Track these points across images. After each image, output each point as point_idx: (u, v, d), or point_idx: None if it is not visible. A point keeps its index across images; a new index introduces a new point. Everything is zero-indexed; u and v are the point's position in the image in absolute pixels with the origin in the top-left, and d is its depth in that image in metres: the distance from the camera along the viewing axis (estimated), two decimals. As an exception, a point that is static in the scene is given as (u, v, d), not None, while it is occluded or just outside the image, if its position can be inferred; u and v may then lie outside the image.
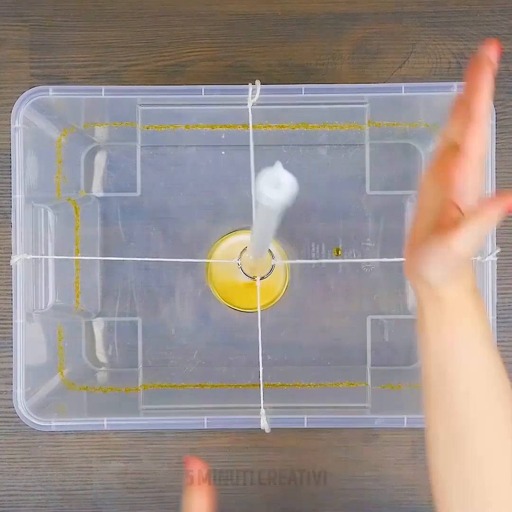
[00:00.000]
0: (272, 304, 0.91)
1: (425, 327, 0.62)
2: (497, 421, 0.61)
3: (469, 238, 0.56)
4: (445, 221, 0.58)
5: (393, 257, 0.91)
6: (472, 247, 0.57)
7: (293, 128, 0.89)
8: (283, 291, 0.91)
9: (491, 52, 0.58)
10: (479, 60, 0.58)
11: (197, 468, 0.68)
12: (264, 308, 0.90)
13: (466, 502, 0.61)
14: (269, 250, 0.84)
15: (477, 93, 0.57)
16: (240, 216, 0.91)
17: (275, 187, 0.55)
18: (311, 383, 0.91)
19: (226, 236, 0.91)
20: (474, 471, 0.60)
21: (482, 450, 0.60)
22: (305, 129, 0.89)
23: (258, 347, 0.79)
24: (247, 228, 0.86)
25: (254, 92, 0.75)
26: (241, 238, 0.90)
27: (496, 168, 0.77)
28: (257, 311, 0.83)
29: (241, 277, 0.84)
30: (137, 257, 0.92)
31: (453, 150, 0.58)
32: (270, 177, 0.54)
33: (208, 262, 0.90)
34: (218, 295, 0.90)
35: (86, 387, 0.90)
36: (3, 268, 0.91)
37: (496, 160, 0.77)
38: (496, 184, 0.77)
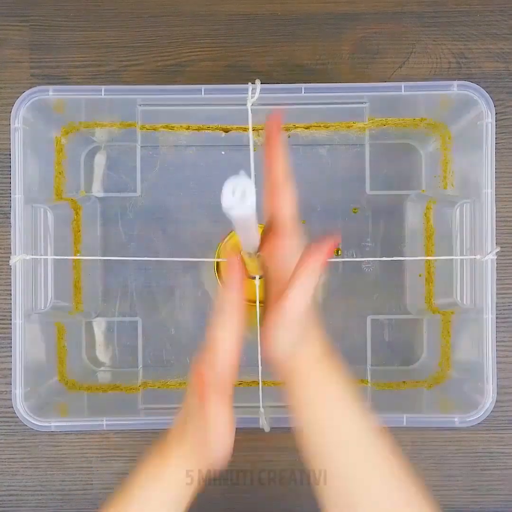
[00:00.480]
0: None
1: (292, 401, 0.65)
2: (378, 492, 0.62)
3: (299, 294, 0.58)
4: (279, 289, 0.61)
5: (393, 257, 0.91)
6: (305, 302, 0.59)
7: (293, 128, 0.89)
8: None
9: (275, 122, 0.64)
10: (269, 129, 0.63)
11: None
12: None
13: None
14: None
15: (273, 160, 0.63)
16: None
17: (240, 196, 0.57)
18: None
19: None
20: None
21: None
22: (305, 129, 0.89)
23: (257, 347, 0.79)
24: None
25: (253, 92, 0.75)
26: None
27: (496, 168, 0.77)
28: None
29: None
30: (137, 257, 0.92)
31: (271, 224, 0.64)
32: (232, 187, 0.57)
33: (217, 256, 0.89)
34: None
35: (86, 387, 0.90)
36: (2, 268, 0.91)
37: (496, 160, 0.77)
38: (496, 184, 0.77)
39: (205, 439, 0.64)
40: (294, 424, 0.65)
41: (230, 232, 0.87)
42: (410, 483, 0.63)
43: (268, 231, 0.63)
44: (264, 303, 0.65)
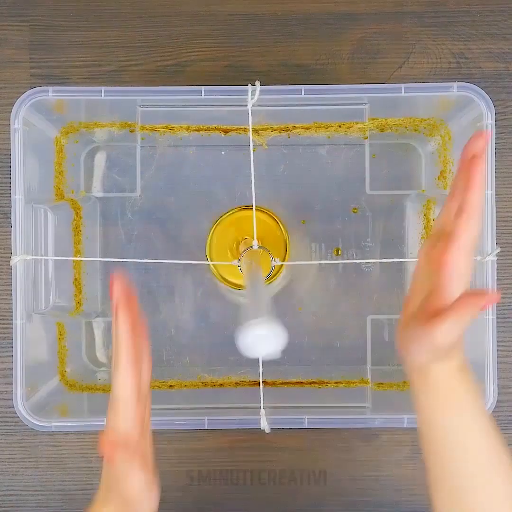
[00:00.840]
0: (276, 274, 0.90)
1: (417, 403, 0.64)
2: (497, 495, 0.62)
3: (451, 330, 0.58)
4: (430, 308, 0.60)
5: (393, 257, 0.91)
6: (454, 338, 0.59)
7: (293, 128, 0.89)
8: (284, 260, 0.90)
9: (481, 144, 0.61)
10: (472, 153, 0.61)
11: (122, 285, 0.65)
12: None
13: None
14: (269, 252, 0.84)
15: (470, 186, 0.59)
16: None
17: (263, 341, 0.57)
18: (311, 383, 0.91)
19: (229, 213, 0.90)
20: None
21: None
22: (305, 129, 0.89)
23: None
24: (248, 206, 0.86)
25: (253, 93, 0.75)
26: (242, 215, 0.89)
27: (496, 168, 0.77)
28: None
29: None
30: (137, 257, 0.92)
31: (445, 237, 0.60)
32: (254, 337, 0.57)
33: (210, 240, 0.89)
34: (217, 274, 0.89)
35: (86, 387, 0.90)
36: (3, 268, 0.91)
37: (496, 160, 0.77)
38: (496, 184, 0.77)
39: (125, 501, 0.63)
40: (419, 429, 0.65)
41: (214, 224, 0.87)
42: None
43: (440, 243, 0.62)
44: (407, 307, 0.64)
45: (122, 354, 0.62)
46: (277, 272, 0.87)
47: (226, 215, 0.89)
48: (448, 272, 0.59)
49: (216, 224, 0.88)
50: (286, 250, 0.88)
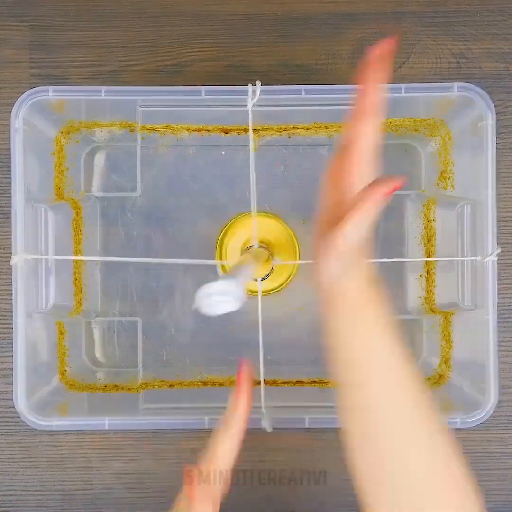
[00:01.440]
0: (285, 284, 0.91)
1: (330, 326, 0.64)
2: (402, 407, 0.62)
3: (354, 229, 0.58)
4: (338, 216, 0.59)
5: (393, 257, 0.91)
6: (358, 237, 0.59)
7: (293, 128, 0.89)
8: (294, 272, 0.91)
9: (381, 50, 0.62)
10: (373, 56, 0.61)
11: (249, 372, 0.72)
12: (278, 288, 0.91)
13: (386, 491, 0.62)
14: (269, 252, 0.84)
15: (367, 88, 0.60)
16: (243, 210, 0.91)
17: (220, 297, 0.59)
18: (312, 383, 0.91)
19: (237, 218, 0.91)
20: (390, 466, 0.61)
21: (392, 439, 0.61)
22: (305, 129, 0.89)
23: (259, 347, 0.79)
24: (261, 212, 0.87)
25: (254, 93, 0.75)
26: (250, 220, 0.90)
27: (496, 168, 0.77)
28: (269, 293, 0.84)
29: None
30: (137, 257, 0.92)
31: (347, 147, 0.61)
32: (207, 295, 0.59)
33: (220, 245, 0.90)
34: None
35: (86, 387, 0.90)
36: (3, 268, 0.91)
37: (496, 160, 0.77)
38: (496, 184, 0.77)
39: None
40: (328, 350, 0.66)
41: (225, 226, 0.88)
42: (446, 446, 0.62)
43: (342, 153, 0.61)
44: (317, 224, 0.64)
45: (234, 428, 0.71)
46: (289, 277, 0.88)
47: (236, 219, 0.89)
48: (349, 176, 0.60)
49: (226, 227, 0.89)
50: (298, 253, 0.89)
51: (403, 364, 0.62)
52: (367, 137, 0.59)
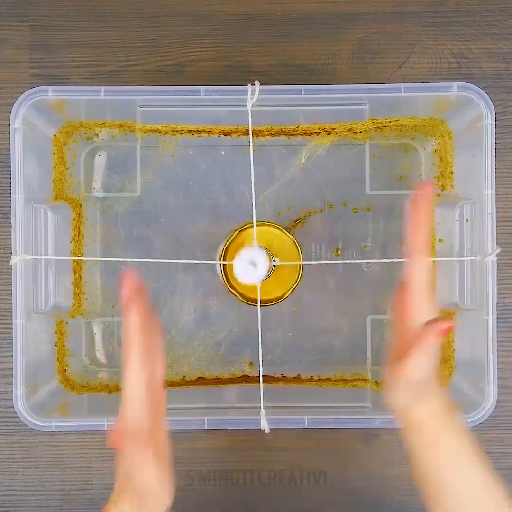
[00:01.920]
0: (287, 295, 0.91)
1: (412, 451, 0.69)
2: None
3: (420, 363, 0.65)
4: (403, 350, 0.66)
5: (393, 257, 0.91)
6: (425, 370, 0.66)
7: (293, 128, 0.89)
8: (297, 281, 0.91)
9: (426, 191, 0.68)
10: (416, 200, 0.68)
11: (132, 282, 0.66)
12: (279, 300, 0.90)
13: None
14: (269, 252, 0.84)
15: (414, 229, 0.67)
16: (240, 215, 0.91)
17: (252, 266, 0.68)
18: (311, 383, 0.91)
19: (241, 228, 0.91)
20: None
21: None
22: (304, 129, 0.89)
23: (258, 347, 0.79)
24: (263, 222, 0.87)
25: (253, 93, 0.75)
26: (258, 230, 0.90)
27: (496, 168, 0.77)
28: (271, 304, 0.84)
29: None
30: (137, 257, 0.92)
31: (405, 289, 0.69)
32: (245, 260, 0.68)
33: (226, 249, 0.89)
34: (235, 290, 0.90)
35: (86, 387, 0.90)
36: (3, 268, 0.91)
37: (496, 160, 0.77)
38: (496, 184, 0.77)
39: (139, 495, 0.64)
40: (414, 469, 0.69)
41: (233, 233, 0.87)
42: None
43: (404, 292, 0.69)
44: (389, 353, 0.70)
45: (132, 350, 0.64)
46: (290, 288, 0.88)
47: (241, 229, 0.89)
48: (413, 318, 0.67)
49: (231, 238, 0.88)
50: (300, 269, 0.89)
51: (494, 495, 0.67)
52: (420, 275, 0.67)
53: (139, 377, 0.63)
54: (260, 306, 0.84)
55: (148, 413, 0.64)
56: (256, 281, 0.69)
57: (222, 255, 0.85)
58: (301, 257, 0.89)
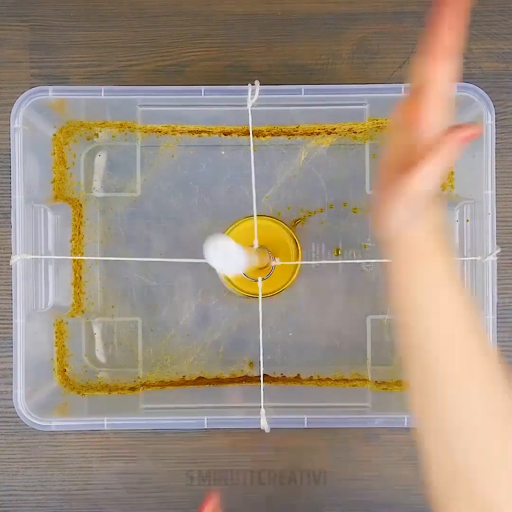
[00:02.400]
0: (286, 286, 0.91)
1: (394, 272, 0.61)
2: (470, 359, 0.59)
3: (428, 175, 0.55)
4: (409, 161, 0.57)
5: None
6: (432, 183, 0.56)
7: (293, 128, 0.89)
8: (296, 274, 0.91)
9: None
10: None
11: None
12: (278, 291, 0.91)
13: (445, 462, 0.59)
14: (269, 252, 0.84)
15: (447, 26, 0.56)
16: (240, 215, 0.91)
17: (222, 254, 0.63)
18: (311, 383, 0.91)
19: (240, 221, 0.91)
20: (453, 436, 0.58)
21: (460, 418, 0.58)
22: (304, 129, 0.89)
23: (259, 347, 0.79)
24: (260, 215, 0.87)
25: (253, 93, 0.75)
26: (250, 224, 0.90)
27: (496, 168, 0.77)
28: (269, 295, 0.84)
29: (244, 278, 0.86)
30: (137, 257, 0.92)
31: (418, 92, 0.57)
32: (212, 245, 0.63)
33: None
34: (230, 283, 0.90)
35: (87, 387, 0.90)
36: (3, 268, 0.91)
37: (496, 160, 0.77)
38: (496, 184, 0.77)
39: None
40: (394, 304, 0.62)
41: (227, 229, 0.88)
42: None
43: (416, 94, 0.57)
44: (383, 169, 0.60)
45: None
46: (289, 280, 0.89)
47: (238, 223, 0.89)
48: (424, 120, 0.56)
49: (228, 230, 0.89)
50: (299, 257, 0.89)
51: (471, 315, 0.59)
52: (443, 80, 0.56)
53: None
54: (254, 297, 0.85)
55: None
56: (234, 272, 0.66)
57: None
58: (299, 250, 0.89)
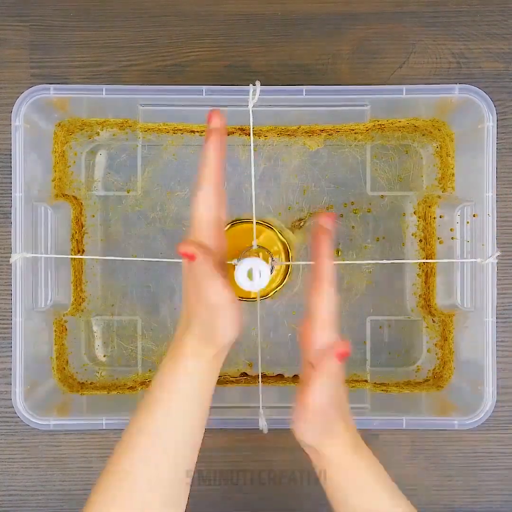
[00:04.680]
0: (278, 290, 0.91)
1: (326, 487, 0.70)
2: None
3: (323, 387, 0.64)
4: (307, 374, 0.66)
5: (393, 258, 0.91)
6: (330, 396, 0.64)
7: (294, 129, 0.89)
8: (285, 279, 0.91)
9: (327, 222, 0.67)
10: (319, 228, 0.67)
11: (218, 121, 0.68)
12: (270, 294, 0.91)
13: None
14: (269, 252, 0.85)
15: (320, 259, 0.66)
16: (240, 215, 0.91)
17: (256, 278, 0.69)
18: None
19: (238, 222, 0.91)
20: None
21: None
22: (305, 130, 0.89)
23: (257, 347, 0.79)
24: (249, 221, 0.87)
25: (254, 93, 0.75)
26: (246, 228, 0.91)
27: (496, 168, 0.77)
28: (262, 298, 0.84)
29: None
30: (137, 257, 0.92)
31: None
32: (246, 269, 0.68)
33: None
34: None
35: (86, 386, 0.90)
36: (3, 268, 0.91)
37: (496, 160, 0.77)
38: (496, 184, 0.77)
39: (209, 313, 0.64)
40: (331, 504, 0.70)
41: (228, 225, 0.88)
42: None
43: (306, 321, 0.67)
44: (300, 381, 0.69)
45: (208, 174, 0.66)
46: (283, 279, 0.89)
47: (235, 224, 0.90)
48: (314, 344, 0.65)
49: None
50: (288, 269, 0.90)
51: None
52: (322, 308, 0.65)
53: (210, 200, 0.65)
54: (250, 299, 0.85)
55: (215, 238, 0.66)
56: (256, 289, 0.69)
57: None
58: (290, 252, 0.90)
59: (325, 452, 0.67)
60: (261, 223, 0.91)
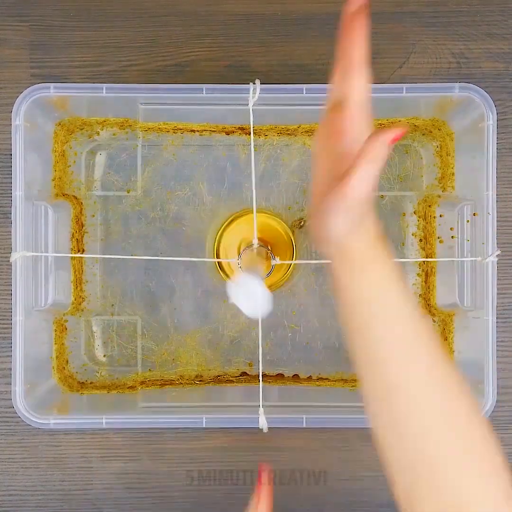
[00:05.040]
0: (280, 284, 0.91)
1: (340, 284, 0.62)
2: (416, 361, 0.59)
3: (362, 180, 0.56)
4: (340, 173, 0.58)
5: (393, 258, 0.91)
6: (367, 189, 0.56)
7: (294, 128, 0.89)
8: (288, 273, 0.91)
9: (360, 3, 0.62)
10: (351, 12, 0.63)
11: (266, 473, 0.70)
12: (272, 288, 0.91)
13: (401, 453, 0.61)
14: (269, 251, 0.84)
15: (352, 42, 0.61)
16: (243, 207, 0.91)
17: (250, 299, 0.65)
18: (310, 383, 0.91)
19: (238, 214, 0.91)
20: (404, 422, 0.59)
21: (408, 400, 0.59)
22: (305, 129, 0.89)
23: (258, 347, 0.79)
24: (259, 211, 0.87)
25: (254, 92, 0.75)
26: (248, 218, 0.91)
27: (496, 168, 0.77)
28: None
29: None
30: (137, 256, 0.92)
31: (338, 106, 0.59)
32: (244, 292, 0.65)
33: (217, 241, 0.90)
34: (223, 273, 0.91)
35: (86, 385, 0.90)
36: (3, 268, 0.91)
37: (496, 160, 0.77)
38: (496, 184, 0.77)
39: None
40: (340, 307, 0.62)
41: (222, 225, 0.88)
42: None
43: (333, 114, 0.60)
44: (315, 189, 0.62)
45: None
46: (285, 273, 0.89)
47: (235, 216, 0.89)
48: (348, 133, 0.59)
49: (225, 224, 0.89)
50: (294, 254, 0.89)
51: (416, 318, 0.60)
52: (360, 91, 0.58)
53: None
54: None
55: None
56: (252, 314, 0.67)
57: (216, 240, 0.86)
58: (294, 247, 0.89)
59: (352, 243, 0.60)
60: (269, 215, 0.90)
